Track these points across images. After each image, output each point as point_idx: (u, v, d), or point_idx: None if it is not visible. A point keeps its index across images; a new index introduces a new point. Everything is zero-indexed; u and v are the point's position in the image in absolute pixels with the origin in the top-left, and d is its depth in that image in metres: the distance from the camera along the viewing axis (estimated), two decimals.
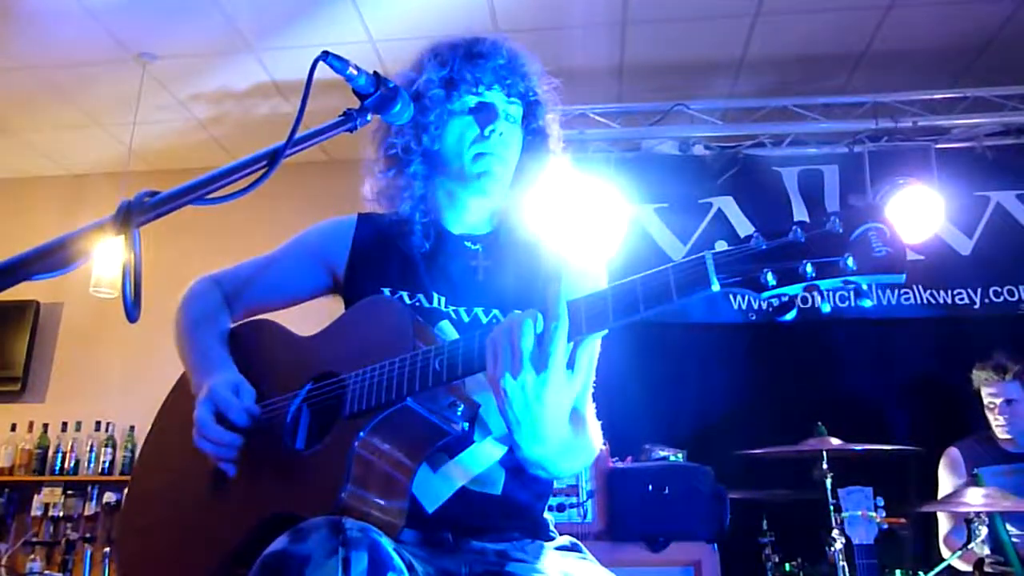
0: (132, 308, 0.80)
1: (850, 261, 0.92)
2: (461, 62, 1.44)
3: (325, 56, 1.13)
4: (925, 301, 4.23)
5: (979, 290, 4.24)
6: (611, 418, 3.30)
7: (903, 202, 4.01)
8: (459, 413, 1.23)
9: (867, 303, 0.97)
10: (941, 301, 4.23)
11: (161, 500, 1.44)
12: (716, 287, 0.95)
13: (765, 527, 3.35)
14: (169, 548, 1.36)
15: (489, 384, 1.10)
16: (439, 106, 1.44)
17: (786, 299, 0.96)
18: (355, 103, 1.18)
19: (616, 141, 4.56)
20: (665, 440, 3.44)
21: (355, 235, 1.53)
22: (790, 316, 0.96)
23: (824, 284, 0.94)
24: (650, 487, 3.01)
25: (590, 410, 1.41)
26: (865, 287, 0.94)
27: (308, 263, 1.55)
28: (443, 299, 1.42)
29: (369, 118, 1.24)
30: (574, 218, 4.05)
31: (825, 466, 3.03)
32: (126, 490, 1.56)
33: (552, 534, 1.43)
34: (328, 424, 1.25)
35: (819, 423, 3.11)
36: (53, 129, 5.40)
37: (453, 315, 1.41)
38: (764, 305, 1.08)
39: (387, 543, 1.04)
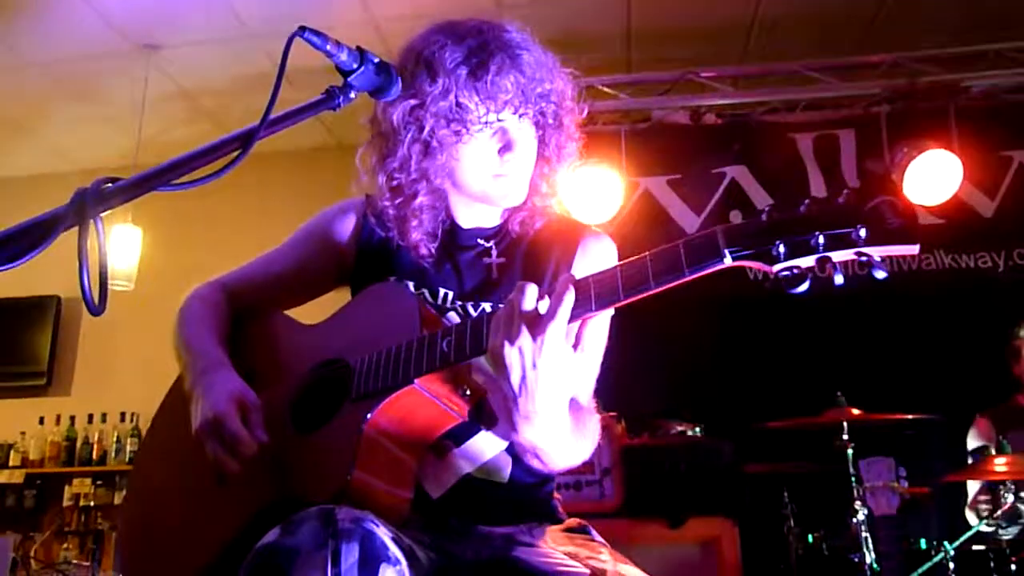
0: (92, 302, 0.77)
1: (862, 232, 0.91)
2: (467, 82, 1.28)
3: (302, 32, 1.10)
4: (947, 265, 4.13)
5: (1003, 253, 4.13)
6: (627, 394, 3.29)
7: (921, 165, 3.92)
8: (465, 398, 1.23)
9: (881, 274, 0.93)
10: (963, 265, 4.13)
11: (163, 489, 1.44)
12: (728, 260, 0.96)
13: (786, 500, 3.31)
14: (172, 536, 1.36)
15: (491, 358, 1.09)
16: (447, 129, 1.31)
17: (798, 271, 0.96)
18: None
19: (626, 112, 4.48)
20: (682, 415, 3.40)
21: (364, 222, 1.49)
22: (802, 288, 0.95)
23: (836, 256, 0.94)
24: (667, 463, 2.99)
25: (591, 404, 1.38)
26: (878, 258, 0.93)
27: (317, 252, 1.51)
28: (450, 294, 1.40)
29: (353, 96, 1.21)
30: (584, 194, 4.01)
31: (846, 437, 2.98)
32: (127, 481, 1.57)
33: (560, 517, 1.41)
34: (334, 409, 1.24)
35: (838, 393, 3.06)
36: (62, 125, 5.43)
37: (460, 310, 1.38)
38: (776, 278, 1.08)
39: (382, 533, 1.02)
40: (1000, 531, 3.16)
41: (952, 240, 4.16)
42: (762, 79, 4.33)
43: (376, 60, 1.20)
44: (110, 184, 0.78)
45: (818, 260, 0.94)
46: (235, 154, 0.91)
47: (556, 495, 1.46)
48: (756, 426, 3.22)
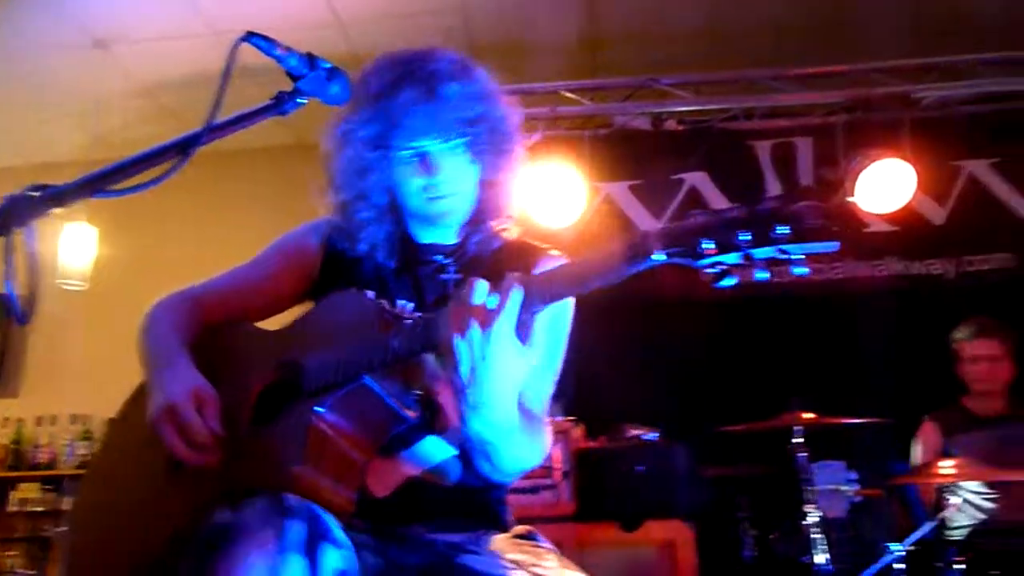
0: (19, 311, 0.75)
1: (782, 230, 0.98)
2: (385, 111, 1.38)
3: (248, 37, 1.11)
4: (900, 272, 4.22)
5: (953, 260, 4.25)
6: (586, 398, 3.31)
7: (875, 173, 4.00)
8: (416, 398, 1.24)
9: (800, 270, 1.01)
10: (915, 272, 4.23)
11: (117, 484, 1.46)
12: (660, 257, 1.04)
13: (743, 502, 3.35)
14: (121, 527, 1.37)
15: (442, 349, 1.13)
16: (373, 153, 1.42)
17: (723, 268, 1.03)
18: None
19: (589, 118, 4.51)
20: (641, 419, 3.42)
21: (329, 238, 1.54)
22: (728, 283, 1.04)
23: (758, 252, 1.00)
24: (625, 466, 3.01)
25: (544, 414, 1.42)
26: (799, 256, 1.00)
27: (286, 268, 1.56)
28: (409, 305, 1.44)
29: (304, 101, 1.22)
30: (547, 199, 4.04)
31: (800, 440, 3.02)
32: (83, 478, 1.60)
33: (508, 523, 1.42)
34: (287, 406, 1.26)
35: (792, 397, 3.10)
36: (17, 119, 5.30)
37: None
38: (704, 274, 1.19)
39: (330, 518, 1.06)
40: (946, 532, 3.25)
41: (905, 247, 4.27)
42: (723, 87, 4.38)
43: (328, 66, 1.22)
44: (38, 192, 0.76)
45: (742, 256, 1.01)
46: (177, 160, 0.89)
47: (508, 501, 1.47)
48: (714, 429, 3.26)
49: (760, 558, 3.22)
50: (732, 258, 1.01)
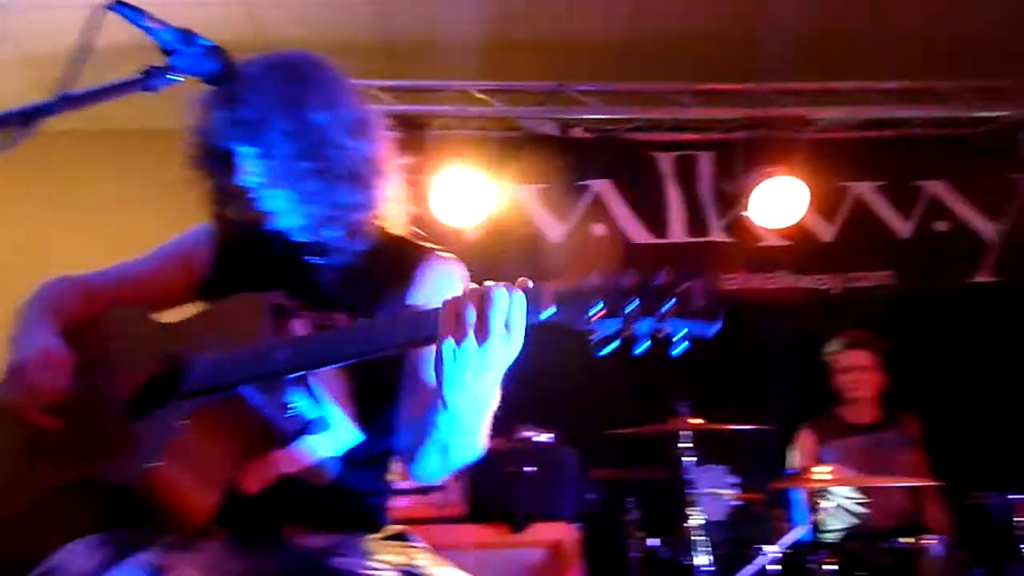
0: None
1: (667, 307, 1.00)
2: (200, 114, 1.44)
3: (114, 5, 1.05)
4: (789, 285, 4.42)
5: (840, 276, 4.47)
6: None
7: (771, 189, 4.18)
8: (296, 412, 1.21)
9: (680, 349, 1.03)
10: (804, 285, 4.43)
11: None
12: (551, 311, 1.04)
13: (631, 505, 3.41)
14: None
15: (439, 346, 1.09)
16: (205, 153, 1.46)
17: (606, 334, 1.03)
18: None
19: (500, 120, 4.52)
20: (533, 420, 3.44)
21: (221, 238, 1.53)
22: (606, 351, 1.04)
23: (640, 327, 1.02)
24: (512, 468, 3.02)
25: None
26: (679, 333, 1.01)
27: (180, 266, 1.55)
28: (292, 303, 1.40)
29: (178, 78, 1.16)
30: (452, 199, 4.03)
31: (687, 445, 3.10)
32: None
33: (382, 525, 1.41)
34: (163, 402, 1.24)
35: (680, 402, 3.18)
36: None
37: (306, 320, 1.36)
38: (589, 339, 1.21)
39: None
40: (820, 535, 3.40)
41: (795, 261, 4.46)
42: (630, 97, 4.47)
43: (207, 44, 1.17)
44: None
45: (622, 325, 1.01)
46: (21, 130, 0.83)
47: (389, 503, 1.46)
48: (605, 432, 3.31)
49: (644, 559, 3.28)
50: (613, 324, 1.01)
